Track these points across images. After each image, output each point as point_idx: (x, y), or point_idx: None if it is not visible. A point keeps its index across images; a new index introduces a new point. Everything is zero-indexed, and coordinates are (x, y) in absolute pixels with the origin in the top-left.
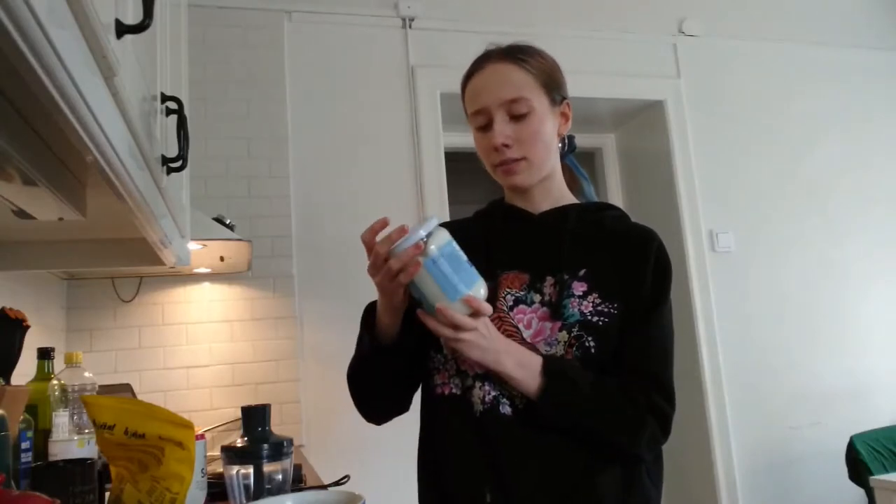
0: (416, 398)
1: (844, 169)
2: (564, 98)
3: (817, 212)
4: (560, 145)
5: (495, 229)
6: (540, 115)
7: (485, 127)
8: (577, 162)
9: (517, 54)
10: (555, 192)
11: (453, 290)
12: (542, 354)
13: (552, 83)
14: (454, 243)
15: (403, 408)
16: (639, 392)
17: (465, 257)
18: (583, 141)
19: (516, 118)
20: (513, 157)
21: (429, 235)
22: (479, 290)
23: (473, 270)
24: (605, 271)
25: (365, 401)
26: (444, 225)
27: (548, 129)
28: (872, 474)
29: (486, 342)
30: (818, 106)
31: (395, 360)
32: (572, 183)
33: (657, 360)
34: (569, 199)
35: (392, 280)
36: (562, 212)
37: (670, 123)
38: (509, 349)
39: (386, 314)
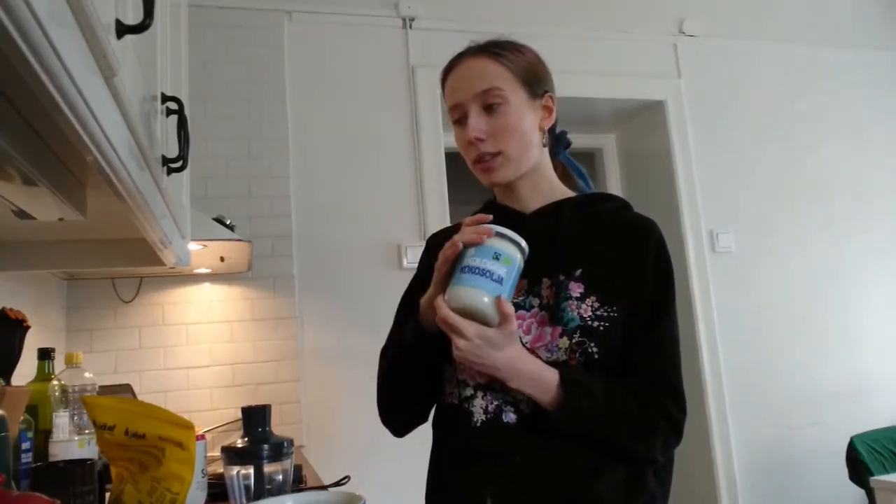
0: None
1: (845, 169)
2: (546, 91)
3: (817, 211)
4: (544, 139)
5: None
6: (515, 107)
7: (461, 121)
8: (576, 160)
9: (492, 48)
10: (544, 188)
11: (449, 285)
12: (558, 366)
13: (531, 76)
14: (497, 261)
15: (425, 416)
16: (651, 398)
17: (490, 270)
18: (583, 141)
19: (490, 111)
20: (488, 150)
21: (499, 236)
22: (470, 300)
23: (486, 285)
24: (602, 269)
25: (395, 403)
26: (442, 231)
27: (525, 122)
28: (873, 475)
29: (482, 352)
30: (818, 106)
31: (433, 351)
32: (566, 180)
33: (667, 364)
34: (561, 193)
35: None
36: (554, 208)
37: (670, 123)
38: (519, 364)
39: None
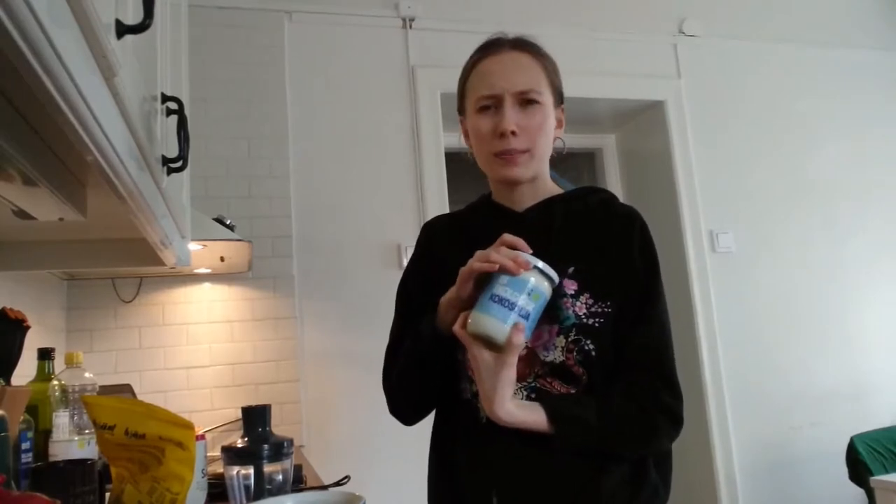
0: None
1: (845, 169)
2: (561, 104)
3: (817, 211)
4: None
5: (484, 230)
6: (547, 109)
7: (491, 108)
8: (569, 172)
9: (531, 46)
10: (541, 190)
11: (476, 307)
12: (543, 401)
13: (557, 82)
14: (528, 296)
15: (435, 406)
16: (645, 394)
17: (521, 306)
18: (583, 141)
19: (525, 107)
20: (518, 147)
21: (536, 270)
22: (492, 331)
23: (509, 319)
24: (593, 265)
25: (409, 397)
26: (440, 217)
27: (551, 126)
28: (873, 475)
29: (479, 373)
30: (818, 106)
31: (449, 350)
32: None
33: (658, 355)
34: (553, 191)
35: (480, 263)
36: (546, 205)
37: (670, 123)
38: (501, 398)
39: (452, 308)
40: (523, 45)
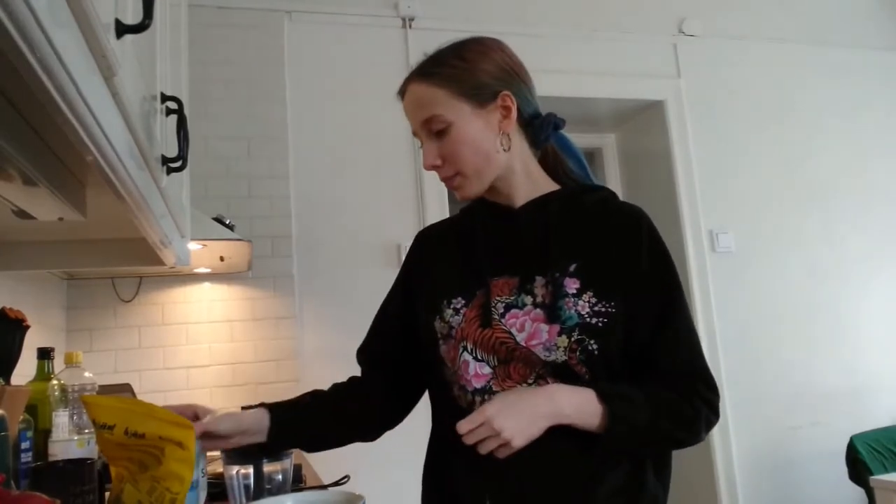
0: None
1: (844, 169)
2: (500, 91)
3: (817, 212)
4: (507, 141)
5: (480, 230)
6: (460, 125)
7: (422, 144)
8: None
9: (428, 68)
10: (524, 183)
11: None
12: (590, 384)
13: (472, 86)
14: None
15: (389, 424)
16: (685, 388)
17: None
18: (583, 141)
19: (438, 135)
20: (447, 174)
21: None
22: None
23: None
24: (596, 263)
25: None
26: (432, 226)
27: (476, 135)
28: (872, 474)
29: (514, 422)
30: (818, 106)
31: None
32: (558, 164)
33: (689, 352)
34: (547, 186)
35: None
36: (542, 203)
37: (670, 123)
38: (556, 400)
39: None
40: (419, 74)
